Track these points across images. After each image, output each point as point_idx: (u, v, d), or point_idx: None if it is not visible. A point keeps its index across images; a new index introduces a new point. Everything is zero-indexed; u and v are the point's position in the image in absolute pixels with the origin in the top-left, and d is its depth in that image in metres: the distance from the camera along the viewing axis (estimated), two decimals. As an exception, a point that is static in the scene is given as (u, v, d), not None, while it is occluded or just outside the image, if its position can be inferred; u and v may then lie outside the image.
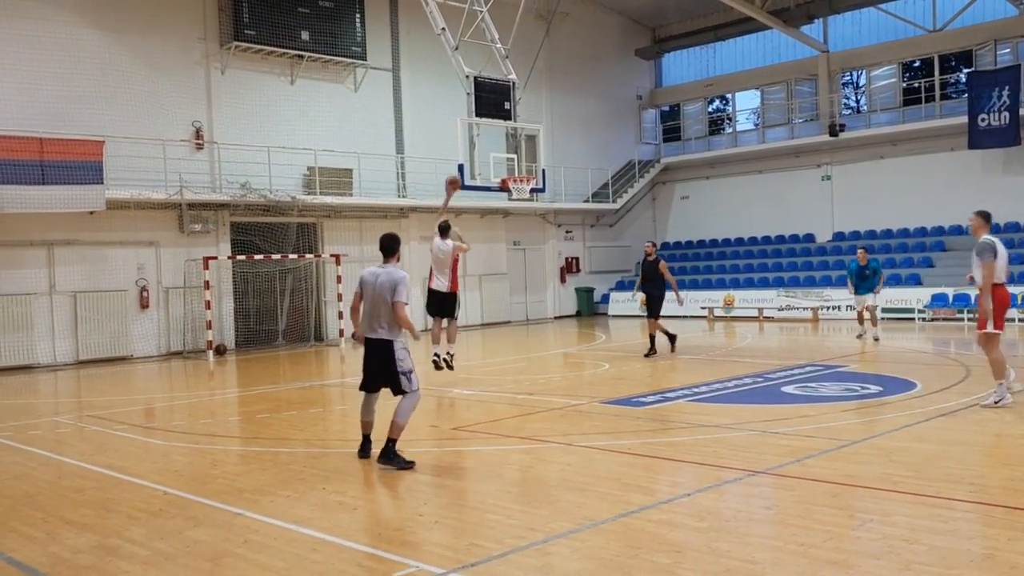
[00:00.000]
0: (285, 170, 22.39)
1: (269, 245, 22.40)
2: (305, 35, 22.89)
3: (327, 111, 24.00)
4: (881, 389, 11.09)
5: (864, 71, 28.91)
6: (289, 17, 22.56)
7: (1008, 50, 25.69)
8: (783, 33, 28.15)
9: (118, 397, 13.86)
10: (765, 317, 25.40)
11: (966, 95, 25.00)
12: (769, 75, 30.63)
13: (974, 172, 25.36)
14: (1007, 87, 23.87)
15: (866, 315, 17.91)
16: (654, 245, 16.58)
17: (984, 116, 24.25)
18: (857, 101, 30.01)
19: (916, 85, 27.55)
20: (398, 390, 7.69)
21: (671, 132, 33.44)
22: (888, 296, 22.92)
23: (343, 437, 9.68)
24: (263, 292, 22.63)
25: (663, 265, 15.88)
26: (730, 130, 32.69)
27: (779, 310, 25.62)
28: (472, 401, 11.84)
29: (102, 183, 18.63)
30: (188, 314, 20.92)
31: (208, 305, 19.94)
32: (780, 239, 29.70)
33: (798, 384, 11.69)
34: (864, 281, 17.56)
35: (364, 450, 8.08)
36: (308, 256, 22.87)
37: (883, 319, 22.70)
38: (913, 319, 23.01)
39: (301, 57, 23.18)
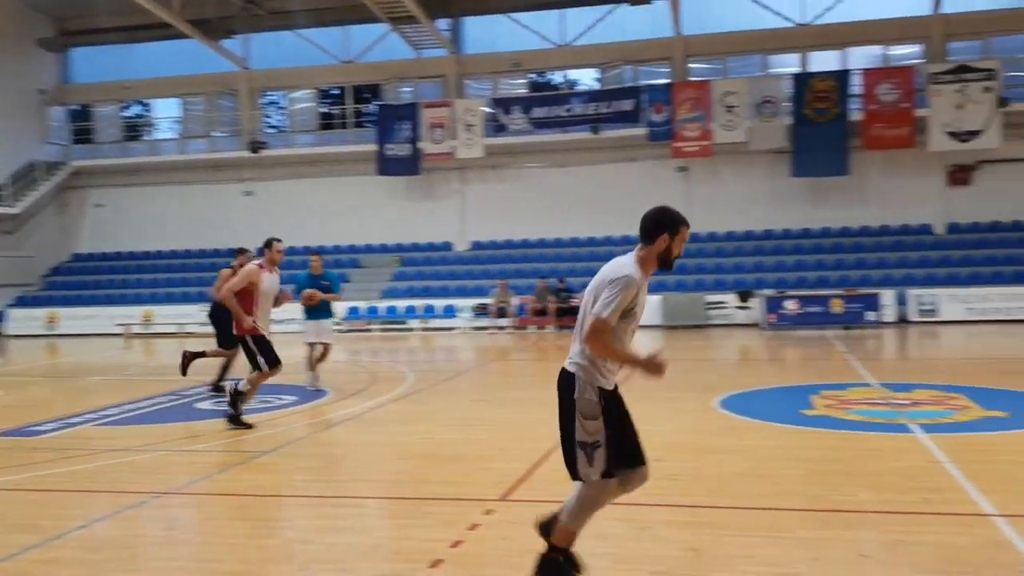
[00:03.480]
0: None
1: None
2: None
3: None
4: (296, 398, 11.44)
5: (285, 92, 29.97)
6: None
7: (411, 88, 28.87)
8: (203, 44, 27.78)
9: None
10: (187, 333, 24.69)
11: (376, 125, 27.41)
12: (190, 85, 29.98)
13: (382, 196, 27.91)
14: (409, 121, 26.79)
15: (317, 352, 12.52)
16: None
17: (391, 146, 26.90)
18: (280, 121, 30.98)
19: (333, 111, 29.41)
20: (572, 470, 4.45)
21: (83, 133, 30.77)
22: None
23: None
24: None
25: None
26: (149, 137, 31.25)
27: (201, 325, 25.07)
28: None
29: None
30: None
31: None
32: (202, 253, 29.15)
33: (212, 400, 11.49)
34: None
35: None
36: None
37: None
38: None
39: None
